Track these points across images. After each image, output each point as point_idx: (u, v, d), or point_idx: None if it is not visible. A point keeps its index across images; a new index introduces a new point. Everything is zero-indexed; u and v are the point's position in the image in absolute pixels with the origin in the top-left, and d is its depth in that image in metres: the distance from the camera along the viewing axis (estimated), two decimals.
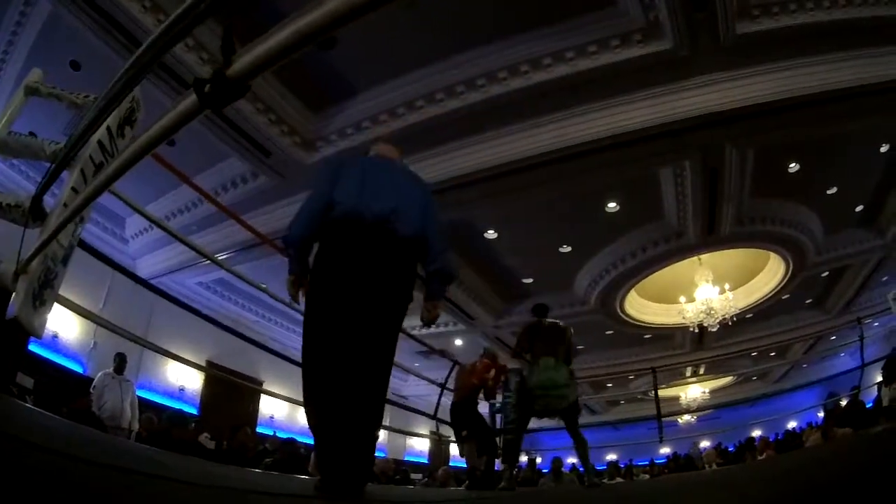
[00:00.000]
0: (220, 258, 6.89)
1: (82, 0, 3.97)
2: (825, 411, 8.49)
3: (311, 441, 1.81)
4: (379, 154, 2.14)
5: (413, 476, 8.04)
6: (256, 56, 0.91)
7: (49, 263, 2.25)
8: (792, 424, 11.17)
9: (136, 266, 7.50)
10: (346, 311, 1.65)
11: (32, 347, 6.32)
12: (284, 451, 5.68)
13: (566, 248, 7.19)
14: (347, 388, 1.60)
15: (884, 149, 6.62)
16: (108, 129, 2.36)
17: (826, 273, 8.97)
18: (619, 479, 8.03)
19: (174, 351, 7.27)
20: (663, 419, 9.59)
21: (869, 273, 9.10)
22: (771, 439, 9.04)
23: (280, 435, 8.09)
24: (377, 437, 1.75)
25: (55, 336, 6.71)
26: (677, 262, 7.31)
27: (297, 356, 3.03)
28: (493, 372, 4.61)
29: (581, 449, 3.59)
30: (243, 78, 0.93)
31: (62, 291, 2.50)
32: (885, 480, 0.97)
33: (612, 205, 6.42)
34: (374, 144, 2.27)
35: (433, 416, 6.67)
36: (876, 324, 9.14)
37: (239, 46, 0.93)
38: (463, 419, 4.56)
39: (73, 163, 2.20)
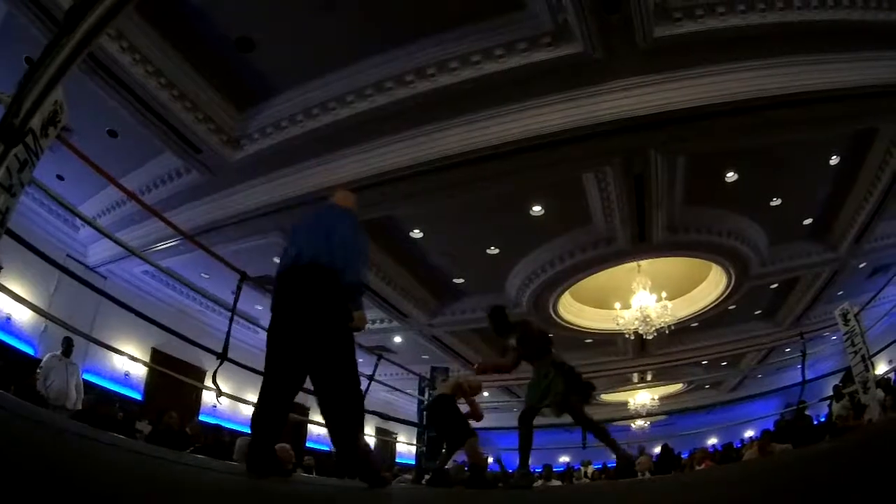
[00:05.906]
0: (164, 246, 7.21)
1: (30, 2, 4.11)
2: (774, 424, 8.45)
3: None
4: (330, 202, 2.67)
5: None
6: (27, 105, 1.11)
7: None
8: (749, 433, 11.16)
9: (87, 252, 7.76)
10: (284, 333, 2.15)
11: None
12: (207, 437, 5.88)
13: (494, 250, 7.20)
14: (280, 394, 2.10)
15: (834, 161, 6.42)
16: (32, 130, 2.56)
17: (775, 285, 8.89)
18: (555, 482, 8.07)
19: (122, 336, 7.64)
20: (615, 423, 9.58)
21: (822, 286, 8.97)
22: (716, 449, 9.05)
23: (222, 424, 8.34)
24: (356, 434, 2.11)
25: (8, 318, 6.98)
26: (611, 267, 7.29)
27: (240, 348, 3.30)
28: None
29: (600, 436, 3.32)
30: (23, 123, 1.15)
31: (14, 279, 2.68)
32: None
33: (537, 208, 6.42)
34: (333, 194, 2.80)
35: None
36: (834, 337, 9.04)
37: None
38: (441, 416, 4.26)
39: None
